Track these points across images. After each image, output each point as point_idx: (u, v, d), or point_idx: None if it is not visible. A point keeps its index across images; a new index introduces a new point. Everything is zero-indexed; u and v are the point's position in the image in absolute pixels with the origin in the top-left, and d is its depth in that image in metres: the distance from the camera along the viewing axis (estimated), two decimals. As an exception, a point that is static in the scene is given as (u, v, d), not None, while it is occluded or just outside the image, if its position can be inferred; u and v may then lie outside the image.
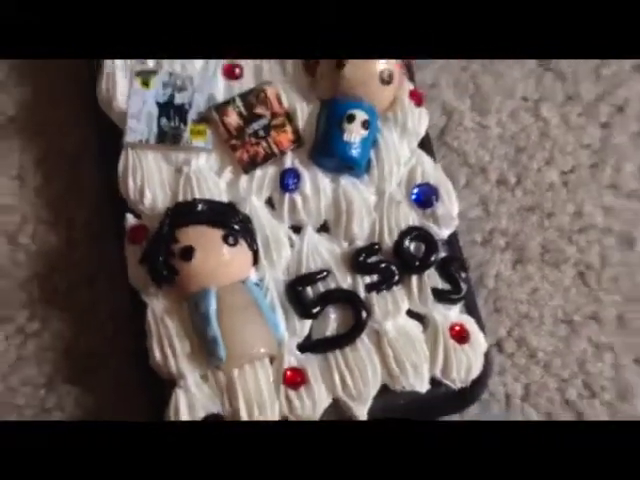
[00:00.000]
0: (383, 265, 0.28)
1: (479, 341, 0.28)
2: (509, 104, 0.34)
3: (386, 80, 0.28)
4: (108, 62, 0.29)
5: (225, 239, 0.26)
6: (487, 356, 0.28)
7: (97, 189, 0.31)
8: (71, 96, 0.32)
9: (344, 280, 0.28)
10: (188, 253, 0.26)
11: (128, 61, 0.29)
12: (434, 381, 0.27)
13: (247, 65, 0.29)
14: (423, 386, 0.27)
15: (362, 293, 0.27)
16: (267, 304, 0.27)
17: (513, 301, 0.32)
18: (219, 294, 0.26)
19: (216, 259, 0.26)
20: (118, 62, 0.29)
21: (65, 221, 0.31)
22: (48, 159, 0.32)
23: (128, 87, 0.28)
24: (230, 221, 0.26)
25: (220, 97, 0.29)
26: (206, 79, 0.29)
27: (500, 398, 0.31)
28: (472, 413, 0.29)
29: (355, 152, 0.28)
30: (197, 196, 0.27)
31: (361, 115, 0.28)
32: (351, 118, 0.28)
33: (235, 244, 0.26)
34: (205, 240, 0.26)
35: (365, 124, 0.28)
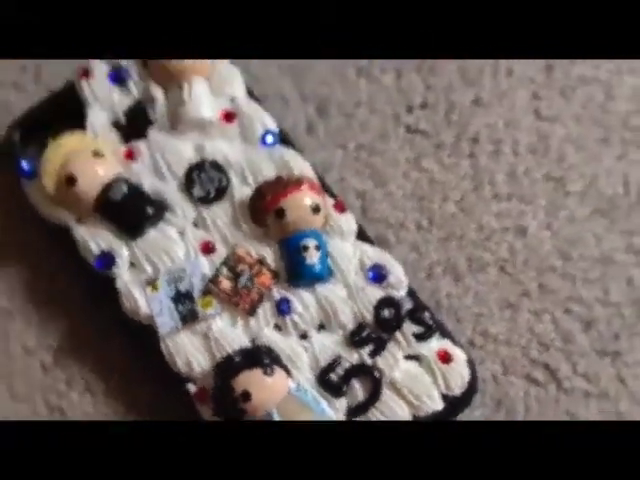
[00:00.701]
0: (373, 335, 0.37)
1: (459, 355, 0.37)
2: (399, 170, 0.44)
3: (316, 210, 0.37)
4: (120, 281, 0.37)
5: (265, 373, 0.35)
6: (469, 360, 0.38)
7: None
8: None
9: (352, 358, 0.37)
10: (246, 396, 0.34)
11: (139, 276, 0.37)
12: (443, 396, 0.37)
13: (216, 240, 0.38)
14: (439, 404, 0.36)
15: (369, 361, 0.37)
16: (311, 399, 0.36)
17: (466, 308, 0.42)
18: (279, 411, 0.35)
19: (266, 390, 0.35)
20: (126, 276, 0.37)
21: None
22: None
23: (144, 296, 0.36)
24: (261, 358, 0.35)
25: (208, 271, 0.37)
26: (193, 264, 0.37)
27: (488, 380, 0.41)
28: (476, 402, 0.39)
29: (318, 269, 0.37)
30: (228, 350, 0.36)
31: (311, 242, 0.37)
32: (305, 248, 0.37)
33: (273, 373, 0.35)
34: (253, 381, 0.34)
35: (317, 247, 0.37)
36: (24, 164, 0.38)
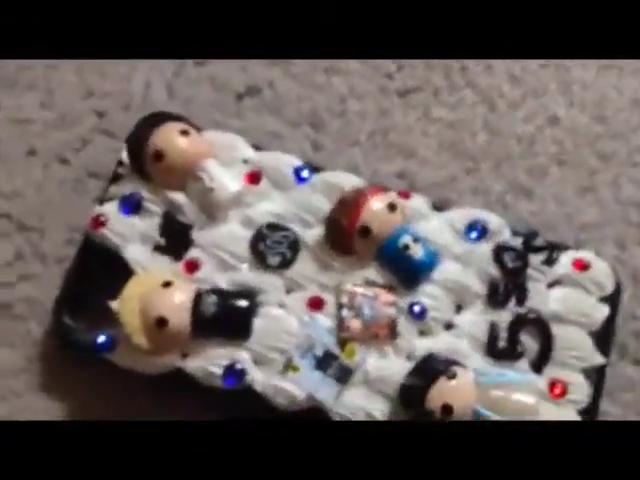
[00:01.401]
0: (510, 286, 0.35)
1: (591, 257, 0.37)
2: (416, 133, 0.42)
3: (392, 208, 0.35)
4: (259, 385, 0.34)
5: (449, 378, 0.33)
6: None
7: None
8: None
9: (504, 317, 0.35)
10: (448, 409, 0.32)
11: (272, 369, 0.34)
12: (602, 299, 0.36)
13: (318, 292, 0.35)
14: (605, 309, 0.36)
15: (521, 310, 0.35)
16: (497, 376, 0.34)
17: (553, 215, 0.40)
18: (483, 405, 0.33)
19: (460, 392, 0.33)
20: (261, 377, 0.34)
21: None
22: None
23: (291, 382, 0.34)
24: (436, 367, 0.33)
25: (330, 324, 0.35)
26: (313, 326, 0.34)
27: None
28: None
29: (428, 258, 0.35)
30: (396, 380, 0.33)
31: (407, 238, 0.35)
32: (406, 247, 0.35)
33: (455, 374, 0.33)
34: (443, 391, 0.32)
35: (415, 240, 0.35)
36: (100, 340, 0.34)
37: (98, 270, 0.36)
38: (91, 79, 0.43)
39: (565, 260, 0.36)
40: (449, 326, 0.36)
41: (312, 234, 0.36)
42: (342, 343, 0.34)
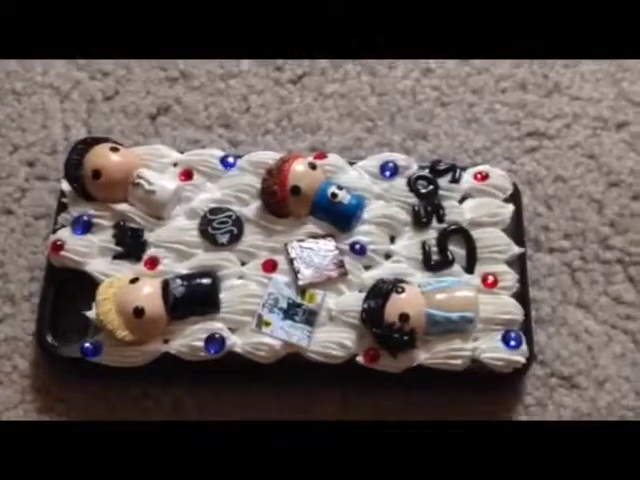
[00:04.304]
0: (429, 208, 0.39)
1: (489, 169, 0.41)
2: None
3: (313, 167, 0.39)
4: (240, 346, 0.36)
5: (398, 292, 0.36)
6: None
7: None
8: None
9: (431, 235, 0.39)
10: (404, 317, 0.36)
11: (247, 328, 0.37)
12: (505, 200, 0.41)
13: (269, 256, 0.38)
14: (509, 208, 0.40)
15: (443, 225, 0.39)
16: (440, 282, 0.38)
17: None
18: (433, 308, 0.36)
19: (410, 302, 0.36)
20: (240, 340, 0.36)
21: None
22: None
23: (268, 336, 0.36)
24: (386, 287, 0.37)
25: (287, 278, 0.38)
26: (272, 284, 0.37)
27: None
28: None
29: (355, 200, 0.39)
30: (357, 309, 0.37)
31: (333, 188, 0.39)
32: (334, 195, 0.38)
33: (403, 289, 0.36)
34: (397, 304, 0.36)
35: (339, 188, 0.39)
36: (86, 345, 0.36)
37: (65, 292, 0.38)
38: (13, 135, 0.45)
39: (467, 176, 0.41)
40: (388, 255, 0.39)
41: (251, 208, 0.39)
42: (302, 292, 0.38)
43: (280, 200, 0.39)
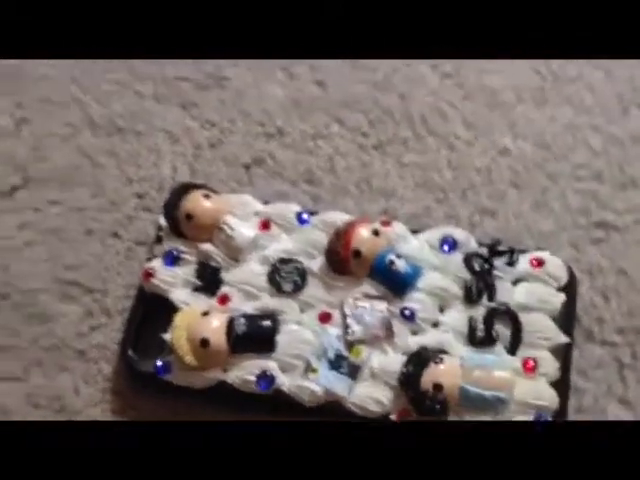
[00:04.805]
0: (480, 285, 0.42)
1: (545, 255, 0.43)
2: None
3: (376, 233, 0.43)
4: (286, 387, 0.40)
5: (437, 363, 0.39)
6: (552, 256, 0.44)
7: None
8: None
9: (480, 312, 0.42)
10: (438, 387, 0.38)
11: (295, 373, 0.41)
12: (558, 289, 0.42)
13: (326, 308, 0.42)
14: (561, 296, 0.42)
15: (492, 304, 0.42)
16: (479, 358, 0.40)
17: (508, 224, 0.48)
18: (468, 384, 0.39)
19: (447, 374, 0.39)
20: (287, 380, 0.40)
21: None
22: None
23: (313, 382, 0.40)
24: (427, 355, 0.40)
25: (339, 332, 0.41)
26: (325, 335, 0.41)
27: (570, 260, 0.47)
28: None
29: (411, 270, 0.42)
30: (396, 370, 0.40)
31: (392, 255, 0.42)
32: (391, 262, 0.42)
33: (442, 360, 0.39)
34: (433, 373, 0.39)
35: (398, 257, 0.42)
36: (159, 364, 0.42)
37: (151, 313, 0.44)
38: (128, 169, 0.52)
39: (524, 260, 0.43)
40: (435, 324, 0.42)
41: (316, 263, 0.44)
42: (350, 346, 0.41)
43: (342, 260, 0.43)
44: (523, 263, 0.43)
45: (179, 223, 0.45)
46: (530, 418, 0.39)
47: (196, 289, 0.44)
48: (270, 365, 0.41)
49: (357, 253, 0.42)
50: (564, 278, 0.43)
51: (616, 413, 0.42)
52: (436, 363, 0.39)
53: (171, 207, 0.45)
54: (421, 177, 0.50)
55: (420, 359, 0.40)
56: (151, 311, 0.44)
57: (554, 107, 0.51)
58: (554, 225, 0.47)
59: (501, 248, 0.43)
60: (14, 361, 0.45)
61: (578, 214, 0.48)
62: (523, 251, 0.44)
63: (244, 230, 0.45)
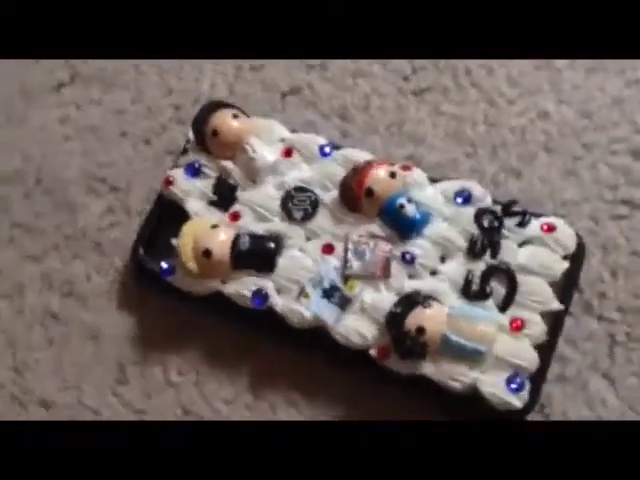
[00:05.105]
0: (486, 242, 0.42)
1: (558, 221, 0.43)
2: (427, 125, 0.50)
3: (393, 175, 0.43)
4: (279, 307, 0.42)
5: (425, 307, 0.40)
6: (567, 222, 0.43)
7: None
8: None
9: (480, 267, 0.42)
10: (421, 330, 0.40)
11: (289, 296, 0.43)
12: (564, 257, 0.42)
13: (331, 240, 0.44)
14: (565, 263, 0.42)
15: (494, 262, 0.42)
16: (468, 310, 0.41)
17: (538, 191, 0.47)
18: (451, 331, 0.40)
19: (433, 319, 0.40)
20: (281, 301, 0.42)
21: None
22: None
23: (303, 307, 0.42)
24: (416, 298, 0.41)
25: (337, 264, 0.43)
26: (324, 265, 0.43)
27: (587, 235, 0.45)
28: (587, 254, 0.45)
29: (419, 216, 0.43)
30: (386, 309, 0.41)
31: (403, 199, 0.43)
32: (401, 206, 0.43)
33: (430, 305, 0.40)
34: (419, 317, 0.40)
35: (409, 201, 0.43)
36: (164, 266, 0.44)
37: (166, 218, 0.47)
38: (170, 80, 0.54)
39: (536, 224, 0.43)
40: (434, 272, 0.43)
41: (329, 196, 0.45)
42: (345, 279, 0.43)
43: (354, 196, 0.43)
44: (534, 226, 0.43)
45: (205, 138, 0.46)
46: (505, 375, 0.40)
47: (211, 203, 0.46)
48: (267, 284, 0.43)
49: (370, 192, 0.43)
50: (572, 247, 0.42)
51: (597, 387, 0.42)
52: (424, 307, 0.40)
53: (200, 122, 0.47)
54: (454, 128, 0.50)
55: (409, 301, 0.41)
56: (167, 217, 0.47)
57: (605, 77, 0.49)
58: (578, 195, 0.47)
59: (515, 209, 0.43)
60: (36, 242, 0.49)
61: (605, 188, 0.47)
62: (538, 215, 0.44)
63: (266, 153, 0.46)
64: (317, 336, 0.43)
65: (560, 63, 0.50)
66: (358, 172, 0.44)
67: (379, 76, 0.52)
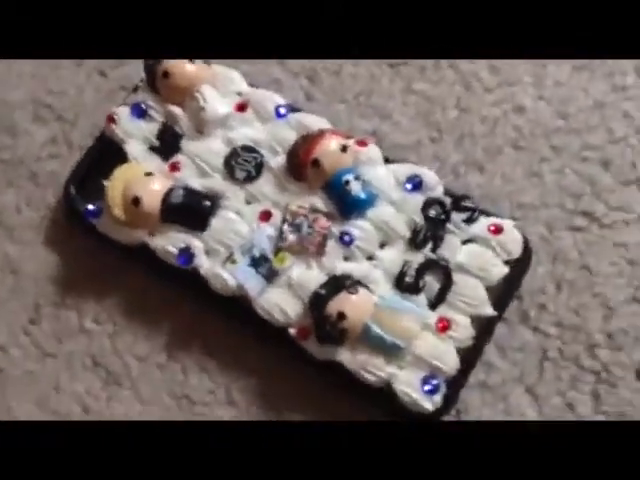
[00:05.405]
0: (429, 234, 0.40)
1: (507, 223, 0.41)
2: (397, 100, 0.48)
3: (344, 149, 0.41)
4: (203, 269, 0.41)
5: (350, 293, 0.39)
6: (516, 225, 0.41)
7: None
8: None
9: (418, 258, 0.40)
10: (342, 316, 0.38)
11: (217, 259, 0.41)
12: (506, 262, 0.40)
13: (269, 207, 0.42)
14: (504, 268, 0.40)
15: (433, 256, 0.40)
16: (397, 302, 0.39)
17: (497, 189, 0.45)
18: (374, 321, 0.38)
19: (356, 306, 0.38)
20: (207, 263, 0.41)
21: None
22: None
23: (227, 272, 0.40)
24: (343, 282, 0.39)
25: (272, 233, 0.41)
26: (258, 232, 0.41)
27: (539, 242, 0.43)
28: (535, 262, 0.43)
29: (363, 195, 0.41)
30: (312, 289, 0.40)
31: (349, 176, 0.41)
32: (347, 182, 0.41)
33: (357, 291, 0.39)
34: (342, 302, 0.38)
35: (356, 178, 0.41)
36: (89, 207, 0.42)
37: (104, 158, 0.44)
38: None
39: (484, 223, 0.41)
40: (370, 258, 0.41)
41: (276, 160, 0.43)
42: (277, 251, 0.41)
43: (300, 165, 0.41)
44: (481, 225, 0.41)
45: (156, 79, 0.44)
46: (422, 375, 0.38)
47: (152, 148, 0.44)
48: (195, 243, 0.41)
49: (316, 162, 0.41)
50: (516, 253, 0.40)
51: (519, 400, 0.41)
52: (350, 293, 0.39)
53: (152, 60, 0.44)
54: (424, 109, 0.47)
55: (336, 284, 0.39)
56: (107, 156, 0.45)
57: (591, 77, 0.47)
58: (538, 199, 0.45)
59: (466, 204, 0.41)
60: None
61: (568, 196, 0.45)
62: (489, 214, 0.42)
63: (218, 105, 0.43)
64: (241, 305, 0.41)
65: (547, 55, 0.47)
66: (308, 140, 0.41)
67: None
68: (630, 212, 0.44)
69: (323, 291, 0.39)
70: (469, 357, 0.40)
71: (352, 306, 0.38)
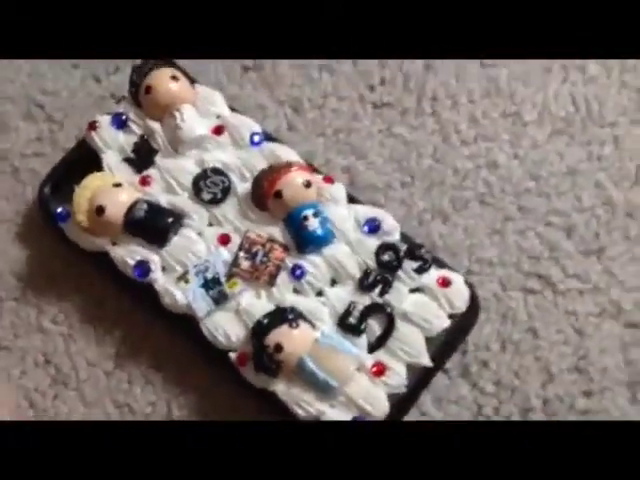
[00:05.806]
0: (379, 278, 0.42)
1: (456, 277, 0.42)
2: (375, 141, 0.49)
3: (308, 185, 0.43)
4: (157, 284, 0.42)
5: (291, 326, 0.40)
6: (466, 281, 0.42)
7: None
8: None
9: (364, 300, 0.41)
10: (279, 348, 0.39)
11: (171, 276, 0.43)
12: (450, 316, 0.41)
13: (230, 231, 0.44)
14: (446, 322, 0.41)
15: (379, 300, 0.41)
16: (336, 341, 0.40)
17: (458, 242, 0.46)
18: (311, 356, 0.39)
19: (295, 340, 0.40)
20: (161, 278, 0.42)
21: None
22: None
23: (179, 290, 0.42)
24: (285, 315, 0.40)
25: (228, 258, 0.43)
26: (215, 255, 0.43)
27: (491, 299, 0.45)
28: (483, 319, 0.44)
29: (320, 232, 0.42)
30: (257, 318, 0.41)
31: (309, 211, 0.42)
32: (305, 217, 0.42)
33: (298, 325, 0.40)
34: (282, 334, 0.40)
35: (315, 215, 0.42)
36: (58, 210, 0.44)
37: (82, 163, 0.46)
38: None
39: (434, 274, 0.42)
40: (320, 293, 0.42)
41: (243, 187, 0.44)
42: (230, 276, 0.42)
43: (262, 194, 0.43)
44: (431, 276, 0.42)
45: (140, 92, 0.46)
46: (351, 416, 0.39)
47: (127, 160, 0.46)
48: (153, 258, 0.43)
49: (278, 194, 0.42)
50: (461, 307, 0.41)
51: (445, 455, 0.42)
52: (291, 326, 0.40)
53: (137, 73, 0.46)
54: (400, 153, 0.49)
55: (280, 316, 0.40)
56: (85, 161, 0.46)
57: (569, 143, 0.48)
58: (497, 257, 0.46)
59: (420, 253, 0.42)
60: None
61: (526, 257, 0.45)
62: (442, 265, 0.43)
63: (195, 125, 0.45)
64: (190, 323, 0.43)
65: (528, 117, 0.48)
66: (274, 171, 0.43)
67: (345, 77, 0.51)
68: (586, 282, 0.45)
69: (266, 321, 0.40)
70: (402, 404, 0.41)
71: (291, 339, 0.40)
